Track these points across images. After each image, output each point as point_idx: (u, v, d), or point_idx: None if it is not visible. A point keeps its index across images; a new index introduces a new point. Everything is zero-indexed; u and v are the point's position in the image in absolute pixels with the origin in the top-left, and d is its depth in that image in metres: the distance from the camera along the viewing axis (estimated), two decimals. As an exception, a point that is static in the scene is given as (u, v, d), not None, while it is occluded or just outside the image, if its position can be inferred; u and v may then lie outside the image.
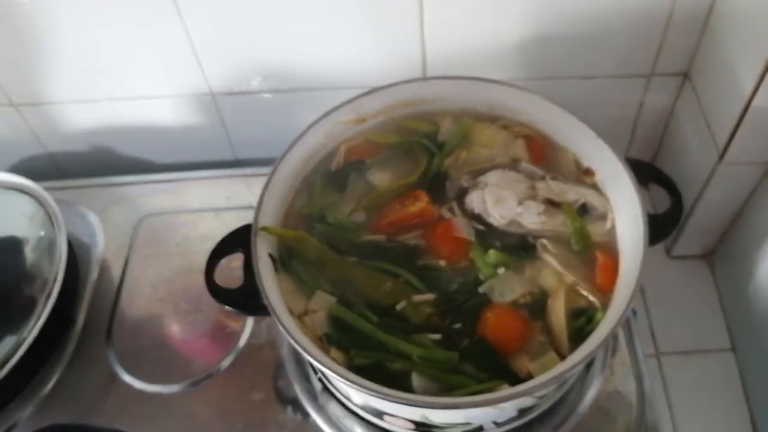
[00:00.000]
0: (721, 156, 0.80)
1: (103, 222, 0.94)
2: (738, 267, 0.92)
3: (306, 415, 0.75)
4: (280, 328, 0.57)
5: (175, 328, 0.83)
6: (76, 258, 0.89)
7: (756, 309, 0.87)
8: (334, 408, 0.74)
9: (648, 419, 0.73)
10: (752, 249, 0.88)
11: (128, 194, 0.98)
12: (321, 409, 0.74)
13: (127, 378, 0.79)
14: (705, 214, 0.91)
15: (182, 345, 0.82)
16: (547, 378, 0.52)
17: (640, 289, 0.93)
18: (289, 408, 0.75)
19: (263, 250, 0.63)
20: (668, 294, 0.96)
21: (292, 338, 0.56)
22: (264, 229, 0.63)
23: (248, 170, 0.98)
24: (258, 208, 0.64)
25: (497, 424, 0.64)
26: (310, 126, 0.70)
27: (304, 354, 0.55)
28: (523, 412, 0.64)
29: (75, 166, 1.05)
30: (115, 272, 0.89)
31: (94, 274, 0.89)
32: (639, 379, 0.75)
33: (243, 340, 0.81)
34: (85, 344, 0.83)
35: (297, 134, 0.70)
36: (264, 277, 0.60)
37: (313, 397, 0.75)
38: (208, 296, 0.64)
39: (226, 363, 0.79)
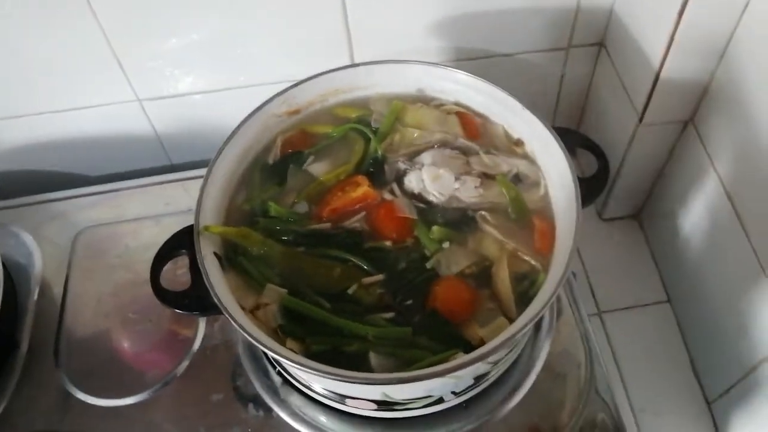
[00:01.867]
0: (641, 118, 0.85)
1: (39, 240, 0.91)
2: (665, 223, 0.97)
3: (268, 410, 0.75)
4: (233, 324, 0.57)
5: (125, 341, 0.81)
6: (13, 280, 0.86)
7: (686, 261, 0.92)
8: (295, 399, 0.75)
9: (597, 375, 0.76)
10: (677, 205, 0.93)
11: (63, 210, 0.95)
12: (283, 403, 0.75)
13: (81, 395, 0.78)
14: (630, 175, 0.96)
15: (134, 357, 0.81)
16: (498, 342, 0.54)
17: (578, 253, 0.98)
18: (251, 405, 0.75)
19: (207, 249, 0.62)
20: (604, 255, 1.01)
21: (246, 333, 0.56)
22: (206, 228, 0.63)
23: (184, 174, 0.97)
24: (198, 208, 0.64)
25: (456, 394, 0.66)
26: (244, 121, 0.70)
27: (260, 347, 0.55)
28: (479, 379, 0.66)
29: (3, 186, 1.01)
30: (57, 290, 0.87)
31: (34, 295, 0.86)
32: (585, 337, 0.78)
33: (197, 345, 0.81)
34: (33, 366, 0.80)
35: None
36: (212, 275, 0.60)
37: (274, 392, 0.76)
38: (156, 305, 0.63)
39: (181, 369, 0.79)
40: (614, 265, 0.99)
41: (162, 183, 0.97)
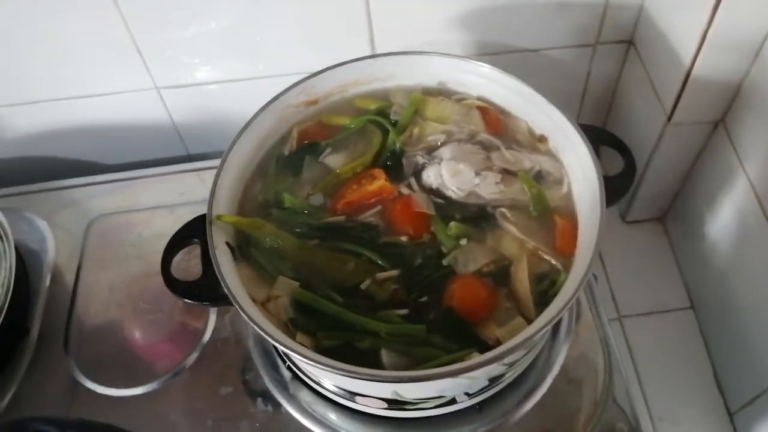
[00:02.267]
0: (669, 117, 0.82)
1: (52, 227, 0.90)
2: (691, 227, 0.94)
3: (277, 405, 0.73)
4: (243, 316, 0.55)
5: (135, 331, 0.81)
6: (26, 266, 0.85)
7: (711, 266, 0.89)
8: (305, 395, 0.73)
9: (616, 381, 0.74)
10: (703, 208, 0.90)
11: (77, 197, 0.94)
12: (292, 398, 0.73)
13: (90, 384, 0.77)
14: (656, 177, 0.93)
15: (144, 347, 0.80)
16: (515, 342, 0.52)
17: (599, 255, 0.95)
18: (260, 400, 0.74)
19: (220, 239, 0.61)
20: (626, 258, 0.98)
21: (256, 325, 0.54)
22: (219, 218, 0.61)
23: (200, 164, 0.96)
24: (211, 197, 0.63)
25: (469, 395, 0.64)
26: (261, 110, 0.69)
27: (270, 340, 0.54)
28: (493, 380, 0.64)
29: (18, 173, 1.01)
30: (68, 278, 0.86)
31: (46, 282, 0.85)
32: (604, 342, 0.76)
33: (207, 336, 0.80)
34: (42, 354, 0.80)
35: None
36: (223, 266, 0.59)
37: (284, 387, 0.74)
38: (167, 295, 0.62)
39: (191, 360, 0.77)
40: (637, 269, 0.97)
41: (177, 173, 0.96)
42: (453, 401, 0.64)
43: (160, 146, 1.01)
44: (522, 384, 0.72)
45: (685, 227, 0.96)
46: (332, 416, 0.72)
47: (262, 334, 0.54)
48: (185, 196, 0.92)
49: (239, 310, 0.56)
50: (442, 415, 0.67)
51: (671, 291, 0.95)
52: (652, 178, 0.93)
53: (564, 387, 0.73)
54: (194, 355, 0.78)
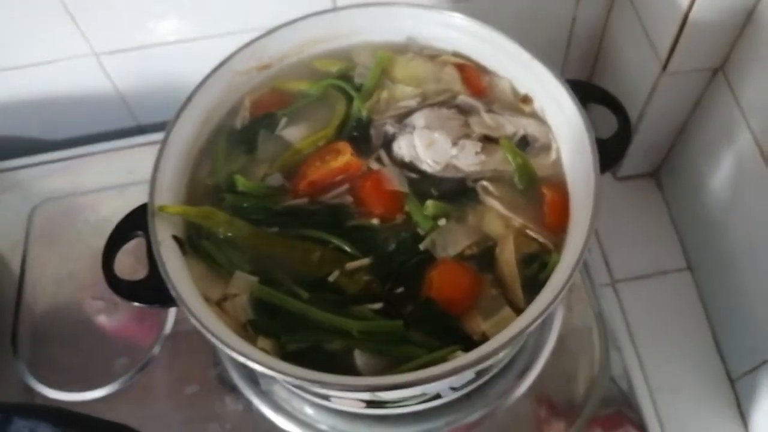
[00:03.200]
0: (664, 66, 0.75)
1: (-8, 215, 0.82)
2: (686, 182, 0.88)
3: (248, 403, 0.68)
4: (192, 320, 0.48)
5: (89, 326, 0.74)
6: (-37, 261, 0.77)
7: (709, 223, 0.83)
8: (279, 391, 0.68)
9: (612, 356, 0.69)
10: (700, 161, 0.83)
11: (18, 180, 0.86)
12: (265, 395, 0.68)
13: (41, 388, 0.71)
14: (650, 130, 0.86)
15: (98, 344, 0.73)
16: (504, 339, 0.46)
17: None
18: (228, 398, 0.68)
19: (165, 232, 0.53)
20: (618, 218, 0.92)
21: (208, 332, 0.47)
22: (161, 209, 0.54)
23: (151, 137, 0.87)
24: (152, 185, 0.55)
25: (455, 389, 0.59)
26: (204, 80, 0.60)
27: (226, 350, 0.47)
28: (481, 373, 0.59)
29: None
30: (13, 270, 0.79)
31: (-12, 276, 0.78)
32: (599, 315, 0.70)
33: (168, 328, 0.73)
34: (-13, 356, 0.73)
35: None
36: (169, 263, 0.51)
37: (255, 382, 0.68)
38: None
39: (150, 358, 0.71)
40: (629, 229, 0.90)
41: (125, 148, 0.87)
42: (437, 396, 0.58)
43: (106, 117, 0.92)
44: (513, 367, 0.67)
45: (681, 182, 0.90)
46: (309, 411, 0.67)
47: (216, 342, 0.47)
48: (135, 174, 0.83)
49: (188, 313, 0.49)
50: (427, 408, 0.61)
51: (666, 251, 0.89)
52: (644, 132, 0.86)
53: (557, 366, 0.69)
54: (155, 351, 0.72)
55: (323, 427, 0.66)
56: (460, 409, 0.65)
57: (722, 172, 0.80)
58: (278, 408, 0.67)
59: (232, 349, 0.47)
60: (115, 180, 0.83)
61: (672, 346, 0.83)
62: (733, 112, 0.74)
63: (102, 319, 0.74)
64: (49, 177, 0.85)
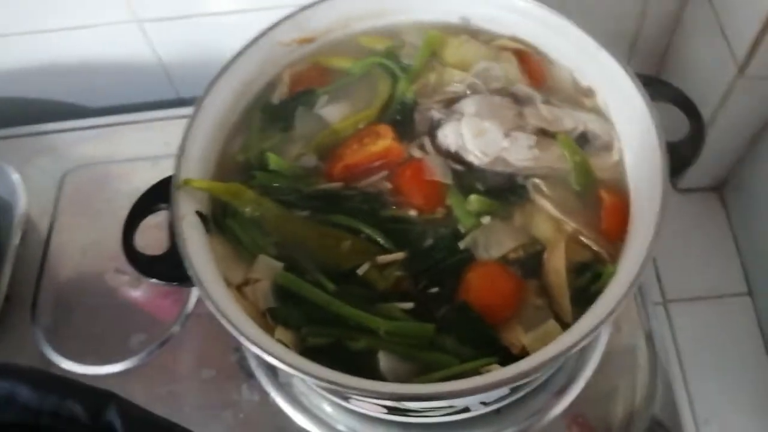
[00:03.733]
0: (742, 69, 0.68)
1: (24, 178, 0.81)
2: (754, 200, 0.81)
3: (265, 393, 0.64)
4: (207, 303, 0.45)
5: (109, 298, 0.71)
6: (-6, 220, 0.76)
7: (776, 245, 0.77)
8: (298, 384, 0.64)
9: (659, 384, 0.63)
10: (772, 178, 0.77)
11: (51, 144, 0.84)
12: (283, 387, 0.64)
13: (56, 358, 0.69)
14: (719, 139, 0.79)
15: (119, 317, 0.71)
16: (546, 357, 0.41)
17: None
18: (246, 386, 0.65)
19: (188, 207, 0.50)
20: (675, 232, 0.86)
21: (222, 315, 0.44)
22: (187, 182, 0.50)
23: (190, 110, 0.84)
24: (179, 157, 0.52)
25: (486, 404, 0.54)
26: (244, 49, 0.57)
27: (239, 337, 0.44)
28: (516, 389, 0.54)
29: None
30: (40, 235, 0.77)
31: (16, 239, 0.76)
32: (649, 337, 0.65)
33: (190, 307, 0.70)
34: (7, 319, 0.71)
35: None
36: (189, 241, 0.48)
37: (274, 373, 0.65)
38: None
39: (170, 336, 0.69)
40: (687, 246, 0.84)
41: (164, 119, 0.85)
42: (466, 410, 0.54)
43: (146, 88, 0.90)
44: (550, 384, 0.61)
45: (747, 199, 0.83)
46: (328, 409, 0.63)
47: (230, 329, 0.44)
48: (171, 146, 0.78)
49: (203, 295, 0.45)
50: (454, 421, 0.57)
51: (726, 273, 0.83)
52: (713, 141, 0.79)
53: (598, 389, 0.63)
54: (175, 329, 0.69)
55: (341, 427, 0.62)
56: (489, 425, 0.61)
57: (796, 192, 0.73)
58: (296, 402, 0.63)
59: (247, 338, 0.43)
60: (151, 151, 0.80)
61: (724, 377, 0.77)
62: (815, 124, 0.67)
63: (124, 293, 0.72)
64: (83, 143, 0.83)
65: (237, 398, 0.65)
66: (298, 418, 0.63)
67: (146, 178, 0.77)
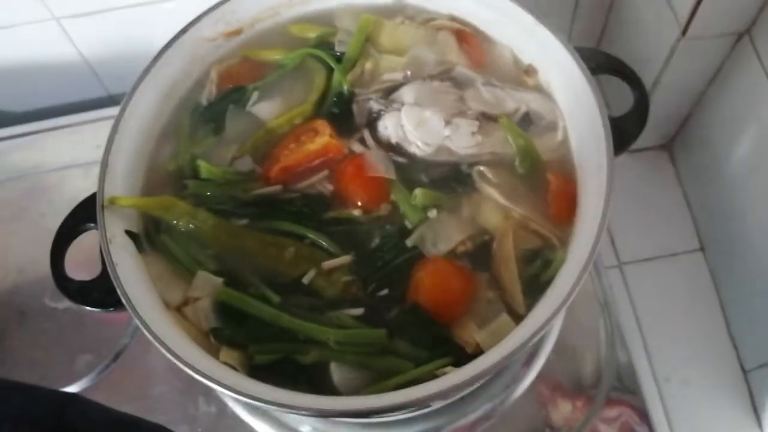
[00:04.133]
0: (684, 30, 0.67)
1: (-53, 195, 0.76)
2: (703, 156, 0.81)
3: (223, 404, 0.63)
4: (145, 332, 0.42)
5: (50, 320, 0.68)
6: None
7: (726, 201, 0.77)
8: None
9: (618, 346, 0.63)
10: (719, 133, 0.77)
11: (-25, 156, 0.79)
12: (241, 394, 0.62)
13: None
14: (664, 99, 0.78)
15: (62, 339, 0.67)
16: (500, 356, 0.40)
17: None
18: (202, 399, 0.63)
19: (116, 228, 0.47)
20: (626, 193, 0.84)
21: (160, 343, 0.42)
22: (112, 201, 0.47)
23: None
24: (102, 172, 0.49)
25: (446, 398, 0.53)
26: (164, 49, 0.53)
27: (180, 365, 0.41)
28: (475, 380, 0.53)
29: None
30: (-31, 258, 0.73)
31: (-61, 263, 0.72)
32: (605, 303, 0.65)
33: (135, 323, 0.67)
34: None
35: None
36: (120, 265, 0.45)
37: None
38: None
39: (120, 350, 0.66)
40: (638, 206, 0.84)
41: (95, 121, 0.81)
42: (426, 405, 0.53)
43: (73, 87, 0.85)
44: (510, 368, 0.61)
45: (696, 156, 0.83)
46: (288, 415, 0.61)
47: (170, 357, 0.42)
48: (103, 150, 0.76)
49: (138, 322, 0.43)
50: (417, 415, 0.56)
51: (678, 231, 0.83)
52: (658, 101, 0.78)
53: (559, 363, 0.63)
54: (124, 342, 0.66)
55: (304, 429, 0.61)
56: (455, 410, 0.60)
57: (743, 146, 0.73)
58: (255, 410, 0.62)
59: (188, 365, 0.41)
60: (82, 157, 0.77)
61: (682, 334, 0.77)
62: (759, 80, 0.67)
63: (66, 312, 0.68)
64: (9, 153, 0.79)
65: (194, 412, 0.63)
66: (260, 426, 0.61)
67: (80, 186, 0.75)
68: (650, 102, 0.78)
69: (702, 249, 0.82)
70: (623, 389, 0.65)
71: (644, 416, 0.64)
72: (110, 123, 0.80)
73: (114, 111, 0.81)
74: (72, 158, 0.77)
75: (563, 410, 0.63)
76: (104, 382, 0.65)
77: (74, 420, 0.34)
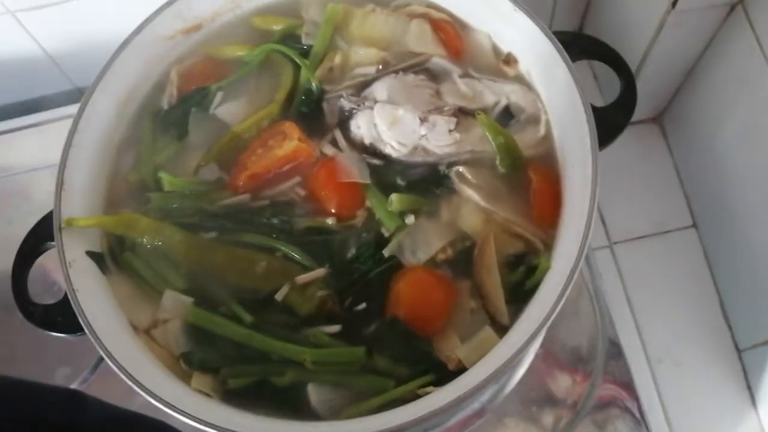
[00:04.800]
0: (674, 2, 0.63)
1: None
2: (694, 128, 0.78)
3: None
4: (105, 358, 0.40)
5: (24, 334, 0.65)
6: None
7: (718, 176, 0.75)
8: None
9: (609, 329, 0.62)
10: (711, 105, 0.74)
11: (-63, 160, 0.76)
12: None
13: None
14: (654, 73, 0.75)
15: (38, 353, 0.65)
16: (483, 375, 0.38)
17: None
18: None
19: (76, 250, 0.45)
20: (616, 169, 0.82)
21: (125, 374, 0.40)
22: (70, 222, 0.45)
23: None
24: (58, 191, 0.46)
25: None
26: (118, 52, 0.50)
27: (147, 397, 0.39)
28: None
29: None
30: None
31: None
32: (594, 297, 0.63)
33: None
34: None
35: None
36: (81, 289, 0.43)
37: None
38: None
39: (97, 363, 0.64)
40: (629, 182, 0.81)
41: (61, 119, 0.77)
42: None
43: (37, 81, 0.82)
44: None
45: (687, 128, 0.80)
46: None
47: (137, 389, 0.40)
48: None
49: (101, 351, 0.41)
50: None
51: (670, 207, 0.80)
52: (648, 75, 0.75)
53: (549, 356, 0.61)
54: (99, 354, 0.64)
55: None
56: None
57: (735, 118, 0.70)
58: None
59: (156, 398, 0.39)
60: (50, 158, 0.70)
61: (675, 314, 0.76)
62: (751, 52, 0.64)
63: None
64: (-27, 155, 0.75)
65: (176, 423, 0.61)
66: None
67: (49, 191, 0.71)
68: (640, 75, 0.75)
69: (695, 226, 0.80)
70: (617, 371, 0.64)
71: (637, 398, 0.64)
72: (77, 119, 0.78)
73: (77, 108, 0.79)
74: (38, 160, 0.74)
75: (563, 383, 0.62)
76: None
77: (76, 416, 0.34)
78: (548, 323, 0.39)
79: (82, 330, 0.44)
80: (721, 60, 0.70)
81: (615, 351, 0.65)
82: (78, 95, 0.84)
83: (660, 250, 0.79)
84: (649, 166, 0.84)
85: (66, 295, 0.46)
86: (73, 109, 0.77)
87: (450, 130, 0.48)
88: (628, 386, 0.64)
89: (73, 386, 0.63)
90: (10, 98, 0.83)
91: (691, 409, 0.72)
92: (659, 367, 0.74)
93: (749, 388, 0.72)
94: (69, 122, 0.75)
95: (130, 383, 0.39)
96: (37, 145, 0.76)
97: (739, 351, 0.74)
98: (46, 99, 0.84)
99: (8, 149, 0.76)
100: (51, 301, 0.47)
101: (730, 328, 0.75)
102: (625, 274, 0.78)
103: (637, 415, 0.63)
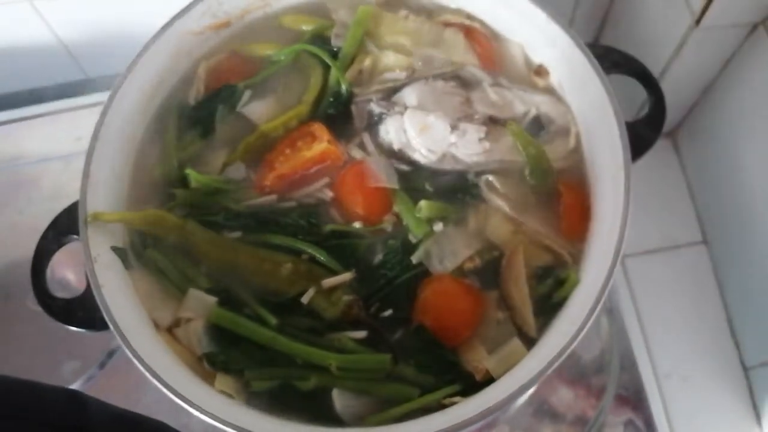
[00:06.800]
0: (698, 20, 0.63)
1: None
2: (708, 145, 0.79)
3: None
4: (131, 357, 0.40)
5: (33, 325, 0.65)
6: None
7: (730, 193, 0.75)
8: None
9: (619, 341, 0.63)
10: (726, 123, 0.74)
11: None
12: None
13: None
14: (672, 88, 0.74)
15: (46, 345, 0.64)
16: (513, 389, 0.38)
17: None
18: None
19: (101, 245, 0.44)
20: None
21: (149, 372, 0.39)
22: (96, 216, 0.44)
23: (101, 96, 0.75)
24: (84, 184, 0.45)
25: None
26: (147, 46, 0.49)
27: (171, 396, 0.39)
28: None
29: None
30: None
31: None
32: (612, 310, 0.63)
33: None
34: None
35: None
36: (105, 284, 0.42)
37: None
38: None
39: (109, 353, 0.63)
40: (640, 196, 0.79)
41: (73, 109, 0.76)
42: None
43: (49, 70, 0.81)
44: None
45: (701, 145, 0.80)
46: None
47: (160, 387, 0.39)
48: (83, 141, 0.71)
49: (125, 348, 0.40)
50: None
51: (680, 222, 0.81)
52: (665, 90, 0.75)
53: (562, 367, 0.61)
54: (110, 349, 0.63)
55: None
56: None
57: (752, 138, 0.70)
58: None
59: (182, 398, 0.39)
60: (61, 148, 0.73)
61: (683, 330, 0.76)
62: (772, 71, 0.64)
63: (49, 318, 0.65)
64: (-16, 143, 0.74)
65: (186, 421, 0.60)
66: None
67: (59, 181, 0.71)
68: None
69: (705, 242, 0.80)
70: (624, 385, 0.65)
71: (644, 412, 0.64)
72: (89, 111, 0.77)
73: (92, 98, 0.78)
74: (50, 150, 0.73)
75: (565, 397, 0.62)
76: (92, 390, 0.61)
77: (77, 417, 0.34)
78: (580, 337, 0.39)
79: (101, 326, 0.44)
80: (740, 78, 0.70)
81: (628, 365, 0.65)
82: (90, 85, 0.83)
83: (670, 264, 0.79)
84: (661, 180, 0.84)
85: (85, 290, 0.45)
86: (83, 100, 0.78)
87: (480, 139, 0.47)
88: (639, 400, 0.64)
89: (79, 382, 0.62)
90: (23, 85, 0.82)
91: (697, 425, 0.72)
92: (667, 382, 0.74)
93: (755, 406, 0.73)
94: (81, 112, 0.76)
95: (155, 382, 0.39)
96: (48, 134, 0.75)
97: (745, 369, 0.74)
98: (57, 88, 0.83)
99: (19, 138, 0.75)
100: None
101: (737, 345, 0.75)
102: (635, 287, 0.78)
103: (645, 430, 0.64)
